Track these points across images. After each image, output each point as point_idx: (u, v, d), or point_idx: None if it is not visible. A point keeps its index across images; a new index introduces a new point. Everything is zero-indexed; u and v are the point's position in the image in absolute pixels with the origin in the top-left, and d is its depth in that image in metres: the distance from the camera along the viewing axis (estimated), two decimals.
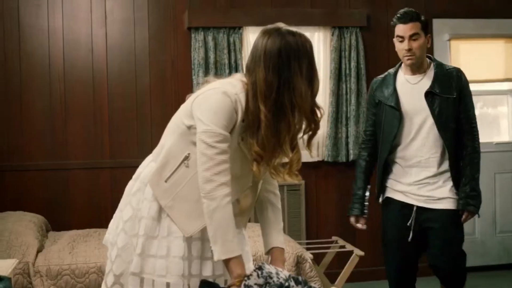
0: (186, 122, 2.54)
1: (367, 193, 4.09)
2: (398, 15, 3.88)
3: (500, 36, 6.55)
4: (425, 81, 3.85)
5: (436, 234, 3.83)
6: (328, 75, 6.06)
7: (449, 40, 6.39)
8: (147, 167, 2.70)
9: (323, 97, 6.09)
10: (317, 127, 2.54)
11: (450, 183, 3.83)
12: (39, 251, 4.54)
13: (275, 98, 2.42)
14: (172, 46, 5.92)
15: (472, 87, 6.37)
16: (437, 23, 6.37)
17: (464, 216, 3.83)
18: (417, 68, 3.89)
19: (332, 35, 6.05)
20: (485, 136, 6.54)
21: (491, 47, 6.53)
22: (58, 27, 5.73)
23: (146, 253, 2.58)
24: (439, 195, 3.82)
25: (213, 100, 2.46)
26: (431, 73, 3.87)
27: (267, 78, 2.41)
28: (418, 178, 3.84)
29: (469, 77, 6.31)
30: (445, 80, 3.83)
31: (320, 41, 6.14)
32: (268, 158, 2.51)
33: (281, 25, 2.52)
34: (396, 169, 3.93)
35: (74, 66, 5.75)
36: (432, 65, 3.90)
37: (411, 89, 3.88)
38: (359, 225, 4.14)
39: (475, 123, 3.88)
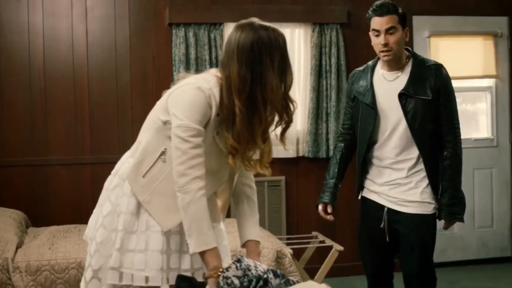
0: (161, 117, 2.57)
1: (339, 184, 3.90)
2: (374, 7, 3.62)
3: (479, 33, 6.62)
4: (402, 79, 3.59)
5: (404, 239, 3.65)
6: (309, 71, 6.09)
7: (429, 37, 6.44)
8: (125, 163, 2.72)
9: (304, 93, 6.12)
10: (290, 121, 2.57)
11: (422, 186, 3.59)
12: (18, 247, 4.53)
13: (248, 92, 2.44)
14: (153, 42, 5.92)
15: (452, 83, 6.52)
16: (417, 20, 6.42)
17: (445, 225, 3.67)
18: (394, 64, 3.61)
19: (313, 31, 6.08)
20: (464, 132, 6.47)
21: (470, 44, 6.59)
22: (38, 22, 5.71)
23: (125, 248, 2.60)
24: (410, 198, 3.60)
25: (187, 95, 2.48)
26: (408, 70, 3.60)
27: (240, 72, 2.44)
28: (390, 179, 3.65)
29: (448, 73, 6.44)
30: (421, 79, 3.56)
31: (301, 38, 6.17)
32: (243, 151, 2.54)
33: (254, 19, 2.53)
34: (371, 168, 3.75)
35: (54, 62, 5.73)
36: (410, 61, 3.63)
37: (387, 87, 3.63)
38: (328, 217, 3.87)
39: (457, 123, 3.61)
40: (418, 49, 6.36)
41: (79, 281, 4.16)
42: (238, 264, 2.40)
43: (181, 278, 2.44)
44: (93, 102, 5.79)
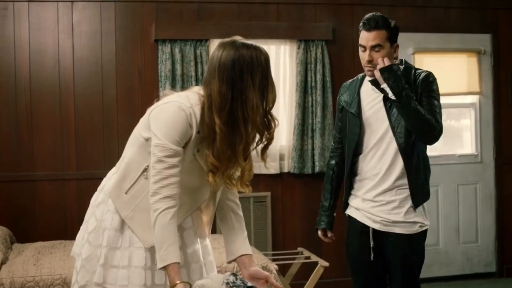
0: (144, 134, 2.58)
1: (335, 204, 3.79)
2: (363, 20, 3.46)
3: (463, 50, 6.68)
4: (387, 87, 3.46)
5: (390, 260, 3.56)
6: (294, 87, 6.12)
7: (413, 53, 6.50)
8: (111, 179, 2.73)
9: (289, 110, 6.15)
10: (271, 138, 2.57)
11: (407, 205, 3.48)
12: (3, 263, 4.50)
13: (229, 111, 2.45)
14: (139, 58, 5.93)
15: (437, 89, 6.54)
16: (401, 37, 6.33)
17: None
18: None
19: (298, 48, 6.12)
20: (448, 148, 6.67)
21: (454, 61, 6.65)
22: (24, 37, 5.71)
23: (109, 264, 2.61)
24: (394, 218, 3.48)
25: (168, 114, 2.49)
26: None
27: (221, 90, 2.44)
28: (373, 194, 3.54)
29: None
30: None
31: (286, 54, 6.21)
32: (224, 169, 2.54)
33: (237, 38, 2.54)
34: (355, 182, 3.64)
35: (40, 76, 5.73)
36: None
37: (374, 97, 3.53)
38: (326, 239, 3.85)
39: (437, 118, 3.41)
40: None
41: None
42: (235, 277, 2.45)
43: None
44: (79, 117, 5.79)
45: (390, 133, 3.47)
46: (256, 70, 2.46)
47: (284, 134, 6.19)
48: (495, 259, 6.77)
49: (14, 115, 5.68)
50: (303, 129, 6.14)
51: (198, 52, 5.88)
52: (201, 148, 2.55)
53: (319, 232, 3.85)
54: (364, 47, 3.45)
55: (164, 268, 2.43)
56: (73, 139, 5.79)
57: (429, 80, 3.49)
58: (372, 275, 3.65)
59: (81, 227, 2.82)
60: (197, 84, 5.78)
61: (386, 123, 3.48)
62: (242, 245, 2.75)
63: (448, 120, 6.74)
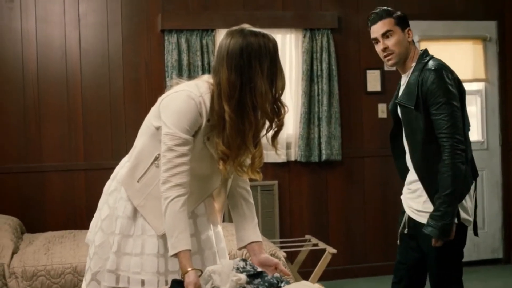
0: (154, 123, 2.61)
1: None
2: (368, 17, 3.53)
3: (468, 37, 6.69)
4: (403, 85, 3.50)
5: (425, 251, 3.53)
6: (300, 76, 6.14)
7: (419, 41, 6.50)
8: (123, 167, 2.76)
9: (295, 98, 6.17)
10: (281, 125, 2.60)
11: (424, 197, 3.42)
12: (14, 252, 4.55)
13: (238, 98, 2.47)
14: (146, 49, 5.95)
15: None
16: None
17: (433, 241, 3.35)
18: (403, 67, 3.52)
19: (304, 37, 6.13)
20: None
21: (459, 48, 6.66)
22: (31, 29, 5.73)
23: (122, 251, 2.65)
24: (415, 206, 3.48)
25: (178, 103, 2.52)
26: (409, 75, 3.48)
27: (230, 78, 2.46)
28: (408, 181, 3.57)
29: None
30: (412, 85, 3.41)
31: (292, 43, 6.22)
32: (234, 157, 2.57)
33: (245, 26, 2.56)
34: None
35: (47, 68, 5.76)
36: (414, 64, 3.47)
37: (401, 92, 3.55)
38: None
39: (448, 132, 3.29)
40: None
41: (75, 285, 4.21)
42: (245, 262, 2.49)
43: (175, 282, 2.49)
44: (86, 108, 5.82)
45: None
46: (264, 57, 2.48)
47: (290, 123, 6.21)
48: (502, 245, 6.79)
49: (22, 107, 5.72)
50: (309, 118, 6.16)
51: (204, 42, 5.90)
52: (211, 136, 2.57)
53: None
54: (376, 39, 3.50)
55: (176, 255, 2.46)
56: (80, 130, 5.82)
57: (433, 81, 3.34)
58: (410, 258, 3.65)
59: (95, 215, 2.85)
60: (203, 74, 5.80)
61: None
62: (253, 232, 2.78)
63: None
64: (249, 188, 2.85)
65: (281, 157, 6.08)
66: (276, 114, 2.57)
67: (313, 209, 6.27)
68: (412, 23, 6.50)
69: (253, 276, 2.44)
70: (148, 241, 2.64)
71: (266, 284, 2.42)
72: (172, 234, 2.47)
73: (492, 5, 6.73)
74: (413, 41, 3.56)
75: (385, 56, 3.49)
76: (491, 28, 6.74)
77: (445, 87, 3.34)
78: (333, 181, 6.32)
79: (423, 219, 3.43)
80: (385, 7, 3.54)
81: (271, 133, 2.63)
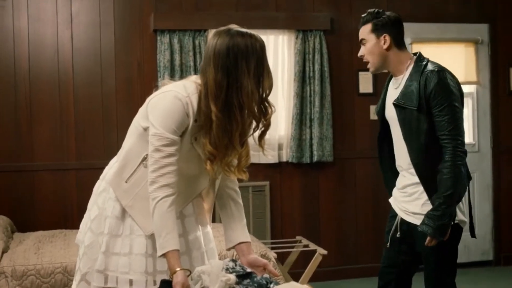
0: (142, 124, 2.61)
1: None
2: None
3: (460, 40, 6.71)
4: (400, 88, 3.47)
5: (422, 254, 3.53)
6: (292, 77, 6.15)
7: (411, 43, 6.52)
8: (112, 167, 2.76)
9: (288, 99, 6.18)
10: (267, 125, 2.60)
11: (425, 198, 3.40)
12: (4, 252, 4.53)
13: (224, 98, 2.48)
14: (138, 49, 5.95)
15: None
16: None
17: (427, 240, 3.35)
18: (393, 72, 3.53)
19: (296, 38, 6.14)
20: None
21: (451, 50, 6.68)
22: (23, 28, 5.72)
23: (110, 251, 2.65)
24: (413, 209, 3.45)
25: (164, 103, 2.53)
26: (405, 78, 3.46)
27: (217, 78, 2.47)
28: (401, 185, 3.54)
29: None
30: (412, 87, 3.38)
31: (285, 44, 6.23)
32: (221, 157, 2.58)
33: (232, 26, 2.57)
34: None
35: (39, 67, 5.75)
36: (411, 66, 3.45)
37: (392, 95, 3.52)
38: None
39: (450, 133, 3.29)
40: None
41: (65, 285, 4.20)
42: (235, 263, 2.49)
43: (164, 283, 2.49)
44: (78, 107, 5.81)
45: (403, 140, 3.48)
46: (251, 57, 2.49)
47: (282, 124, 6.22)
48: (492, 247, 6.82)
49: (14, 106, 5.70)
50: (301, 119, 6.16)
51: (196, 42, 5.91)
52: (199, 136, 2.58)
53: None
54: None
55: (164, 255, 2.47)
56: (72, 130, 5.81)
57: (437, 82, 3.33)
58: (399, 262, 3.66)
59: (85, 215, 2.86)
60: (195, 74, 5.80)
61: (399, 128, 3.49)
62: (242, 233, 2.79)
63: None
64: (237, 189, 2.85)
65: (269, 160, 6.06)
66: (263, 114, 2.57)
67: (305, 210, 6.28)
68: (405, 25, 6.51)
69: (242, 276, 2.44)
70: (137, 241, 2.64)
71: (255, 284, 2.43)
72: (161, 234, 2.48)
73: (484, 8, 6.76)
74: (402, 44, 3.51)
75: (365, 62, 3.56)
76: (483, 31, 6.77)
77: (448, 89, 3.34)
78: (324, 182, 6.33)
79: (418, 221, 3.40)
80: (373, 10, 3.50)
81: (258, 133, 2.63)
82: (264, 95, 2.54)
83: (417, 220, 3.43)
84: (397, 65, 3.49)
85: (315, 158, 6.15)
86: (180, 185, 2.57)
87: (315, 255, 5.07)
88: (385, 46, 3.45)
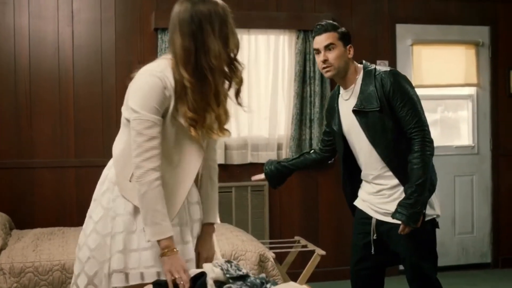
0: (126, 115, 2.65)
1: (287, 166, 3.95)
2: (314, 28, 3.63)
3: (461, 42, 6.71)
4: (355, 95, 3.57)
5: (401, 255, 3.62)
6: (293, 77, 6.14)
7: (412, 45, 6.53)
8: (112, 168, 2.75)
9: (288, 99, 6.17)
10: (240, 81, 2.67)
11: (398, 193, 3.53)
12: (2, 248, 4.53)
13: (194, 63, 2.55)
14: (139, 47, 5.95)
15: (433, 91, 6.63)
16: (400, 28, 6.51)
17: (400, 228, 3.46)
18: (345, 82, 3.61)
19: (297, 38, 6.14)
20: (445, 139, 6.72)
21: (452, 52, 6.68)
22: (24, 25, 5.72)
23: (128, 249, 2.63)
24: (393, 208, 3.49)
25: (141, 83, 2.59)
26: (359, 84, 3.57)
27: (184, 44, 2.55)
28: (375, 190, 3.62)
29: (430, 81, 6.56)
30: (369, 90, 3.51)
31: (285, 44, 6.22)
32: (202, 121, 2.62)
33: None
34: (362, 185, 3.76)
35: (40, 64, 5.75)
36: (361, 74, 3.59)
37: (345, 106, 3.63)
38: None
39: (416, 126, 3.44)
40: (401, 57, 6.47)
41: (63, 282, 4.19)
42: (230, 264, 2.49)
43: (156, 284, 2.50)
44: (78, 105, 5.81)
45: (366, 138, 3.56)
46: (214, 20, 2.57)
47: (282, 124, 6.21)
48: (491, 250, 6.82)
49: (14, 103, 5.70)
50: (301, 119, 6.16)
51: None
52: (179, 107, 2.61)
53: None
54: (318, 49, 3.59)
55: (159, 241, 2.53)
56: (72, 127, 5.81)
57: (393, 80, 3.49)
58: (372, 266, 3.75)
59: (83, 227, 2.81)
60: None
61: (359, 130, 3.57)
62: (213, 213, 2.87)
63: (445, 112, 6.79)
64: (216, 166, 2.91)
65: (273, 158, 6.10)
66: (234, 72, 2.64)
67: (303, 210, 6.28)
68: (405, 26, 6.57)
69: (236, 278, 2.43)
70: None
71: (249, 284, 2.42)
72: (155, 220, 2.51)
73: (485, 10, 6.76)
74: (352, 58, 3.63)
75: (323, 68, 3.59)
76: (484, 33, 6.77)
77: (403, 85, 3.50)
78: (323, 182, 6.32)
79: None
80: (331, 22, 3.65)
81: (233, 90, 2.70)
82: (232, 55, 2.62)
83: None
84: (353, 74, 3.61)
85: None
86: (178, 172, 2.64)
87: (314, 256, 5.06)
88: (350, 56, 3.61)
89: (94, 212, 2.73)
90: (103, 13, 5.88)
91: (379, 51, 6.36)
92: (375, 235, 3.65)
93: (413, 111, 3.46)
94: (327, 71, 3.57)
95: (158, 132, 2.54)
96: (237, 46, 2.63)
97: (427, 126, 3.50)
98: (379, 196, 3.61)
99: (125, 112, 2.66)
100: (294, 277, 5.20)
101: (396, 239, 3.55)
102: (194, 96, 2.57)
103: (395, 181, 3.53)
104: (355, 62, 3.66)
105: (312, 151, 4.00)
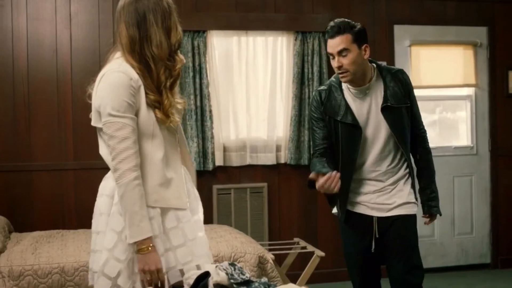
0: (98, 125, 2.69)
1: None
2: (327, 28, 3.45)
3: (459, 42, 6.71)
4: (373, 92, 3.49)
5: (392, 243, 3.58)
6: (291, 79, 6.14)
7: (410, 46, 6.53)
8: (110, 178, 2.75)
9: (286, 101, 6.17)
10: (177, 74, 2.73)
11: (408, 188, 3.56)
12: (1, 252, 4.52)
13: (139, 51, 2.63)
14: None
15: (432, 92, 6.64)
16: (398, 29, 6.51)
17: (427, 220, 3.69)
18: (360, 81, 3.48)
19: (295, 39, 6.14)
20: (444, 140, 6.72)
21: (450, 53, 6.68)
22: (22, 28, 5.71)
23: (174, 245, 2.68)
24: (399, 201, 3.53)
25: (105, 84, 2.62)
26: (377, 83, 3.49)
27: (129, 32, 2.64)
28: (375, 189, 3.57)
29: (428, 82, 6.57)
30: (396, 88, 3.48)
31: (283, 46, 6.22)
32: (163, 101, 2.67)
33: None
34: (356, 182, 3.60)
35: (38, 67, 5.74)
36: (375, 72, 3.51)
37: (360, 104, 3.50)
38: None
39: (422, 123, 3.68)
40: (399, 58, 6.48)
41: (62, 285, 4.19)
42: (233, 267, 2.48)
43: None
44: (76, 107, 5.80)
45: (384, 134, 3.50)
46: (157, 11, 2.67)
47: (280, 125, 6.21)
48: (490, 250, 6.82)
49: (12, 105, 5.69)
50: (299, 120, 6.16)
51: (195, 43, 5.90)
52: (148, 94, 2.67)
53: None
54: (332, 54, 3.44)
55: (138, 241, 2.53)
56: (70, 130, 5.80)
57: (409, 80, 3.62)
58: (371, 266, 3.74)
59: (92, 236, 2.79)
60: (194, 76, 5.82)
61: (378, 126, 3.50)
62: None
63: (444, 112, 6.79)
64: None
65: (271, 160, 6.12)
66: (173, 64, 2.71)
67: (302, 212, 6.28)
68: (403, 27, 6.57)
69: (240, 284, 2.43)
70: (187, 227, 2.70)
71: None
72: (133, 222, 2.52)
73: (483, 11, 6.76)
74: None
75: (339, 73, 3.45)
76: (482, 34, 6.77)
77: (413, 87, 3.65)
78: None
79: (405, 210, 3.57)
80: (344, 20, 3.45)
81: (169, 81, 2.73)
82: (173, 47, 2.69)
83: (403, 211, 3.56)
84: (367, 74, 3.50)
85: None
86: (176, 166, 2.73)
87: (313, 257, 5.06)
88: (366, 56, 3.47)
89: (113, 218, 2.65)
90: (101, 15, 5.87)
91: (377, 52, 6.35)
92: (377, 234, 3.59)
93: (419, 114, 3.67)
94: (343, 77, 3.44)
95: (130, 132, 2.57)
96: (178, 40, 2.72)
97: (424, 127, 3.74)
98: (381, 192, 3.57)
99: (97, 122, 2.68)
100: (293, 278, 5.19)
101: (398, 230, 3.56)
102: (147, 82, 2.64)
103: (399, 175, 3.57)
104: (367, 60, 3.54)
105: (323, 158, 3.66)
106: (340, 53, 3.38)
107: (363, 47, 3.43)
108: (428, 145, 3.68)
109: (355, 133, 3.49)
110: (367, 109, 3.50)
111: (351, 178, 3.57)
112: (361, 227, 3.64)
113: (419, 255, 3.66)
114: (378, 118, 3.49)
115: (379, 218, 3.58)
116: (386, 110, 3.46)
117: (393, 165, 3.55)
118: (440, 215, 3.72)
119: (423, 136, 3.67)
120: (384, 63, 3.70)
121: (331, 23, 3.44)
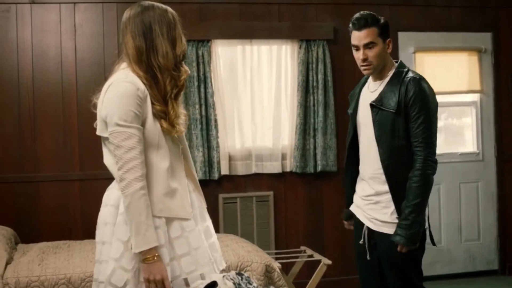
0: (104, 135, 2.71)
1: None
2: (353, 20, 3.48)
3: (464, 49, 6.71)
4: (380, 90, 3.50)
5: (381, 258, 3.56)
6: (296, 87, 6.14)
7: (414, 52, 6.53)
8: (114, 188, 2.77)
9: (291, 109, 6.17)
10: (182, 85, 2.76)
11: (391, 208, 3.45)
12: (8, 263, 4.52)
13: (146, 61, 2.67)
14: None
15: (437, 98, 6.58)
16: (402, 36, 6.51)
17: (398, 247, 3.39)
18: (378, 75, 3.52)
19: (300, 48, 6.14)
20: (450, 146, 6.70)
21: (455, 59, 6.68)
22: (27, 39, 5.73)
23: (178, 254, 2.69)
24: (381, 217, 3.47)
25: (114, 93, 2.63)
26: (385, 82, 3.50)
27: (135, 43, 2.67)
28: (365, 193, 3.55)
29: (434, 88, 6.50)
30: (393, 91, 3.41)
31: (288, 54, 6.22)
32: (168, 112, 2.70)
33: (143, 2, 2.78)
34: (358, 180, 3.67)
35: (43, 78, 5.76)
36: (391, 72, 3.50)
37: (368, 97, 3.55)
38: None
39: (423, 141, 3.34)
40: None
41: None
42: (241, 277, 2.48)
43: None
44: (81, 118, 5.81)
45: (373, 134, 3.49)
46: (163, 22, 2.71)
47: (286, 134, 6.21)
48: (497, 257, 6.79)
49: (17, 117, 5.71)
50: (305, 129, 6.16)
51: (200, 52, 5.91)
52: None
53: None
54: (357, 46, 3.49)
55: (143, 251, 2.54)
56: (76, 140, 5.81)
57: (418, 89, 3.39)
58: (372, 272, 3.70)
59: (97, 246, 2.81)
60: (199, 85, 5.82)
61: (371, 124, 3.50)
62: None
63: (449, 119, 6.78)
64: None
65: (277, 168, 6.12)
66: (178, 75, 2.74)
67: (309, 220, 6.27)
68: (407, 34, 6.56)
69: None
70: (192, 236, 2.70)
71: None
72: (139, 231, 2.53)
73: (487, 17, 6.76)
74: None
75: (362, 65, 3.50)
76: (487, 39, 6.76)
77: (427, 98, 3.40)
78: (328, 192, 6.31)
79: (389, 229, 3.44)
80: (370, 13, 3.50)
81: (174, 91, 2.76)
82: (178, 58, 2.73)
83: (387, 229, 3.45)
84: (387, 70, 3.53)
85: (319, 168, 6.14)
86: (180, 175, 2.73)
87: (320, 265, 5.05)
88: (389, 51, 3.52)
89: (119, 228, 2.67)
90: (105, 26, 5.89)
91: None
92: (362, 240, 3.59)
93: (426, 127, 3.36)
94: (366, 69, 3.50)
95: (137, 142, 2.59)
96: (183, 51, 2.76)
97: (435, 146, 3.41)
98: (367, 201, 3.56)
99: (103, 132, 2.70)
100: (300, 287, 5.19)
101: (384, 249, 3.50)
102: (153, 92, 2.67)
103: (385, 187, 3.45)
104: (390, 57, 3.57)
105: (349, 174, 3.78)
106: (366, 46, 3.44)
107: (387, 41, 3.49)
108: (419, 164, 3.33)
109: (351, 124, 3.68)
110: (367, 105, 3.54)
111: (357, 171, 3.68)
112: (357, 231, 3.67)
113: (411, 274, 3.52)
114: (369, 116, 3.52)
115: (368, 228, 3.57)
116: (373, 108, 3.48)
117: (379, 171, 3.47)
118: (405, 245, 3.35)
119: (416, 153, 3.36)
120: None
121: (357, 15, 3.49)
